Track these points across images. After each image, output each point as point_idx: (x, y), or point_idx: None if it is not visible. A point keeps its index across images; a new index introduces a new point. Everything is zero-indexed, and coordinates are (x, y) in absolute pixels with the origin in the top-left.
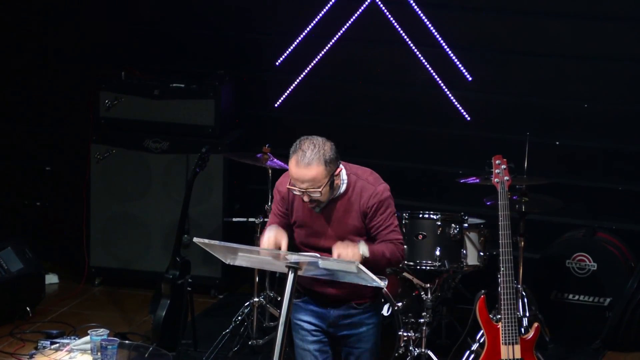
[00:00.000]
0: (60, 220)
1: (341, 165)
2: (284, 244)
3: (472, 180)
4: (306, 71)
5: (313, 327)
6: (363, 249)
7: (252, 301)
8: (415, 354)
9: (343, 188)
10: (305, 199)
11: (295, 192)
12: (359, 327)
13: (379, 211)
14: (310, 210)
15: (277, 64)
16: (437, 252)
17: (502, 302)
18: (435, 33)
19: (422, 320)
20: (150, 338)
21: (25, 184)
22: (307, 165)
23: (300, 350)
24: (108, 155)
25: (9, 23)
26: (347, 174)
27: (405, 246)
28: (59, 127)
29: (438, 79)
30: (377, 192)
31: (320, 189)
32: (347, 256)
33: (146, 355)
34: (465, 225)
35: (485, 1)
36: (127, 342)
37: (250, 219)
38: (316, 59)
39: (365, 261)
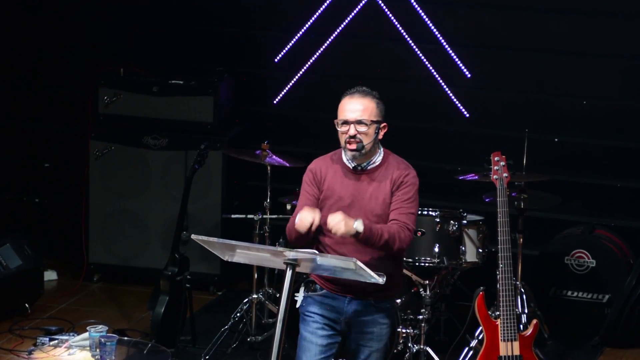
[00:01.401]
0: (59, 216)
1: (386, 126)
2: (317, 217)
3: (470, 177)
4: (305, 68)
5: (326, 321)
6: (358, 224)
7: (250, 298)
8: (414, 350)
9: (379, 160)
10: (352, 131)
11: (341, 128)
12: (373, 325)
13: (403, 190)
14: (343, 183)
15: (276, 60)
16: (436, 249)
17: (501, 299)
18: (434, 30)
19: (420, 316)
20: (149, 334)
21: (24, 181)
22: (362, 94)
23: (306, 343)
24: (107, 151)
25: (8, 20)
26: (384, 150)
27: (410, 233)
28: (58, 123)
29: (437, 76)
30: (410, 173)
31: (368, 122)
32: (337, 226)
33: (145, 352)
34: (464, 222)
35: None
36: (125, 338)
37: (249, 216)
38: (315, 56)
39: (358, 237)
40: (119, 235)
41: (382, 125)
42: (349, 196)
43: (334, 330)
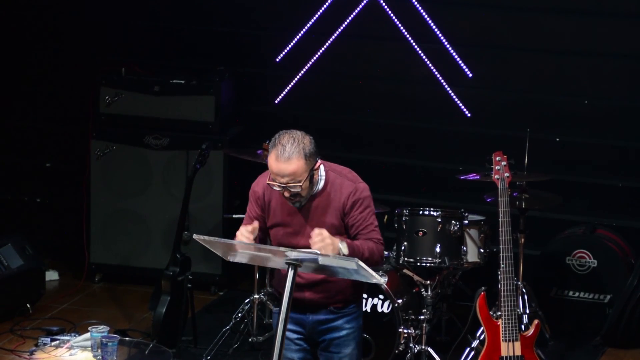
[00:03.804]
0: (61, 216)
1: (319, 161)
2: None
3: (472, 176)
4: (306, 67)
5: (296, 336)
6: (342, 246)
7: (252, 298)
8: (416, 350)
9: (321, 185)
10: (286, 194)
11: (275, 188)
12: (339, 331)
13: (359, 209)
14: (289, 209)
15: (277, 60)
16: (437, 249)
17: (502, 299)
18: (436, 29)
19: (422, 317)
20: (151, 335)
21: (26, 180)
22: (287, 159)
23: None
24: (108, 151)
25: (9, 19)
26: (325, 171)
27: (383, 246)
28: (59, 123)
29: (438, 76)
30: (357, 189)
31: (300, 184)
32: (325, 248)
33: (146, 352)
34: (466, 221)
35: None
36: (127, 338)
37: None
38: (316, 55)
39: None
40: (120, 235)
41: (316, 167)
42: (297, 224)
43: (305, 342)
